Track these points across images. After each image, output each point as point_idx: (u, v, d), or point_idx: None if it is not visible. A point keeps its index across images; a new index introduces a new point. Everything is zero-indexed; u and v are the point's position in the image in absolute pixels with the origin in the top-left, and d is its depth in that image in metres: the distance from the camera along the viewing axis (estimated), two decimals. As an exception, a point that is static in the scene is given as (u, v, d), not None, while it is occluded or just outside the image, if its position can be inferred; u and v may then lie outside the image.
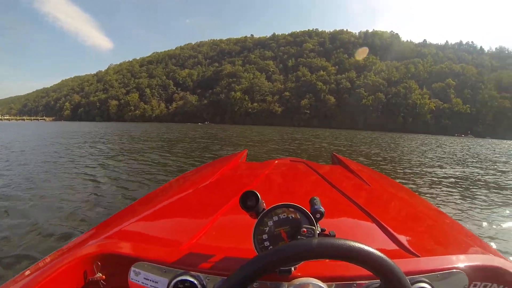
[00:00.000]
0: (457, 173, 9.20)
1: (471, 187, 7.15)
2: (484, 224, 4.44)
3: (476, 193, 6.49)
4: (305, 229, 0.62)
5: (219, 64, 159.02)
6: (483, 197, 6.10)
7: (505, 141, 62.67)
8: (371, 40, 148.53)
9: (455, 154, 16.69)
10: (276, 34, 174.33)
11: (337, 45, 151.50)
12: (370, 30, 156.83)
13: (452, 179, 7.96)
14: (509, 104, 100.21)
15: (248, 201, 0.66)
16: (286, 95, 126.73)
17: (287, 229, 0.64)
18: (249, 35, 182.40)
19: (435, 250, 0.82)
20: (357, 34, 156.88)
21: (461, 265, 0.71)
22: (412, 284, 0.63)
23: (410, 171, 9.02)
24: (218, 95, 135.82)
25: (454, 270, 0.70)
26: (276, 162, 2.28)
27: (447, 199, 5.78)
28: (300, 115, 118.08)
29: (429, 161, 12.34)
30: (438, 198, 5.77)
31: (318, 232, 0.65)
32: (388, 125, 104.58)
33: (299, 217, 0.64)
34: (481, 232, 4.07)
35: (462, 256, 0.74)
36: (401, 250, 0.83)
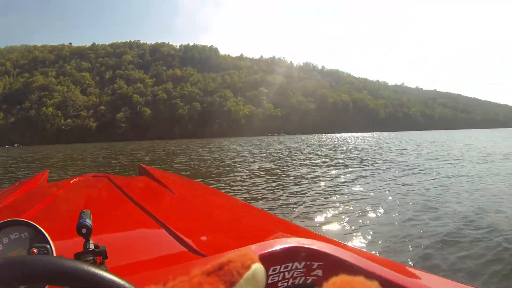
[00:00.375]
0: (272, 166, 10.65)
1: (283, 177, 8.13)
2: (295, 208, 4.88)
3: (288, 182, 7.27)
4: (34, 249, 0.50)
5: (30, 75, 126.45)
6: (296, 182, 7.15)
7: (312, 135, 74.60)
8: (190, 53, 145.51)
9: (266, 150, 19.65)
10: (96, 44, 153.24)
11: (157, 57, 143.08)
12: (191, 44, 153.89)
13: (267, 172, 9.03)
14: (313, 106, 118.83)
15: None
16: (102, 109, 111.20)
17: (20, 252, 0.51)
18: (67, 43, 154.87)
19: (226, 247, 0.81)
20: (178, 47, 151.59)
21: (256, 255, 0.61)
22: None
23: (223, 170, 9.88)
24: (27, 111, 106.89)
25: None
26: (75, 179, 2.14)
27: (261, 191, 6.26)
28: (115, 129, 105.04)
29: (244, 159, 13.60)
30: (251, 193, 6.16)
31: (90, 249, 0.57)
32: (205, 132, 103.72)
33: (34, 235, 0.51)
34: (293, 216, 4.44)
35: (254, 246, 0.75)
36: (188, 252, 0.83)
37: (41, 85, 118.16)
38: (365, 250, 2.31)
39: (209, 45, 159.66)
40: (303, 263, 0.77)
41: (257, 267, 0.30)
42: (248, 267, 0.28)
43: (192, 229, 1.05)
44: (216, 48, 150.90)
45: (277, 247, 0.76)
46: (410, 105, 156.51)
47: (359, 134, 79.51)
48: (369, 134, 77.27)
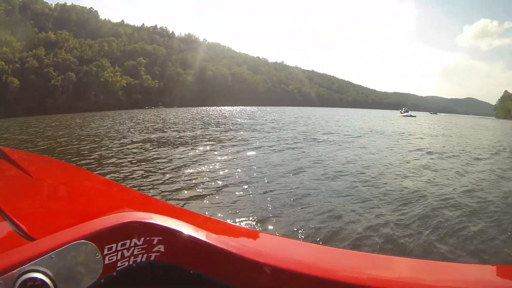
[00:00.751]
0: (153, 137, 12.20)
1: (163, 147, 9.87)
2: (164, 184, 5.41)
3: (158, 158, 8.28)
4: None
5: None
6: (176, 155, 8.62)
7: (190, 108, 79.50)
8: (67, 14, 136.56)
9: (142, 124, 19.78)
10: None
11: (27, 15, 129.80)
12: (69, 4, 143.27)
13: (148, 144, 10.40)
14: (192, 78, 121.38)
15: None
16: None
17: None
18: None
19: (59, 228, 0.73)
20: (53, 6, 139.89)
21: (83, 234, 0.68)
22: (19, 277, 0.56)
23: (97, 147, 10.32)
24: None
25: (74, 242, 0.65)
26: None
27: (133, 169, 6.89)
28: None
29: (118, 133, 13.86)
30: (123, 171, 6.62)
31: None
32: (80, 105, 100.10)
33: None
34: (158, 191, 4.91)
35: (85, 225, 0.71)
36: (21, 237, 0.76)
37: None
38: (229, 221, 3.11)
39: (88, 6, 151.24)
40: (142, 239, 0.75)
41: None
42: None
43: (33, 212, 0.98)
44: (96, 11, 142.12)
45: (111, 223, 0.72)
46: (288, 82, 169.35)
47: (238, 107, 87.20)
48: (249, 108, 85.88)
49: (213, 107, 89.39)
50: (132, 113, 49.31)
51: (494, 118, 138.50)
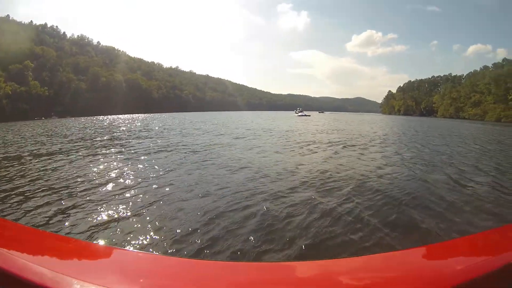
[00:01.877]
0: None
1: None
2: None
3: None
4: None
5: None
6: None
7: (83, 118, 75.87)
8: None
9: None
10: None
11: None
12: None
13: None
14: (84, 85, 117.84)
15: None
16: None
17: None
18: None
19: None
20: None
21: None
22: None
23: None
24: None
25: None
26: None
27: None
28: None
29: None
30: None
31: None
32: None
33: None
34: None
35: None
36: None
37: None
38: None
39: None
40: None
41: None
42: None
43: None
44: None
45: None
46: (183, 87, 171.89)
47: (133, 116, 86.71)
48: (142, 115, 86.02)
49: (107, 116, 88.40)
50: (16, 126, 41.49)
51: (380, 114, 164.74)
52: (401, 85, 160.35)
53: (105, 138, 17.93)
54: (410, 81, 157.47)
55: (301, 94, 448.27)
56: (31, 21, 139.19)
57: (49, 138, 18.36)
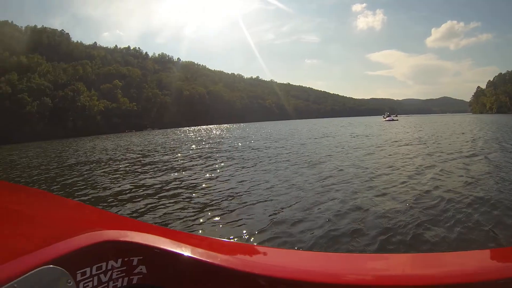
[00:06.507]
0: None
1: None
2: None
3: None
4: None
5: None
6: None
7: (169, 129, 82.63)
8: (38, 37, 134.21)
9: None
10: None
11: None
12: (39, 26, 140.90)
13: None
14: (169, 99, 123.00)
15: None
16: None
17: None
18: None
19: (16, 251, 0.65)
20: (23, 28, 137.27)
21: (49, 258, 0.60)
22: None
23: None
24: None
25: (40, 268, 0.57)
26: None
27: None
28: None
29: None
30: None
31: None
32: (58, 132, 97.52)
33: None
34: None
35: (49, 248, 0.63)
36: None
37: None
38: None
39: (59, 29, 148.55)
40: (119, 260, 0.68)
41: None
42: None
43: None
44: (67, 33, 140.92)
45: (79, 245, 0.65)
46: (265, 96, 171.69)
47: (222, 125, 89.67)
48: (227, 125, 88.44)
49: (193, 127, 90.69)
50: (113, 138, 46.94)
51: (471, 114, 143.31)
52: (491, 79, 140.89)
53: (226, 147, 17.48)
54: (501, 73, 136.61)
55: (383, 97, 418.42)
56: (116, 45, 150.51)
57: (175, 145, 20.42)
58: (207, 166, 10.23)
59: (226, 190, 6.48)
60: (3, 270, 0.55)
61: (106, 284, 0.67)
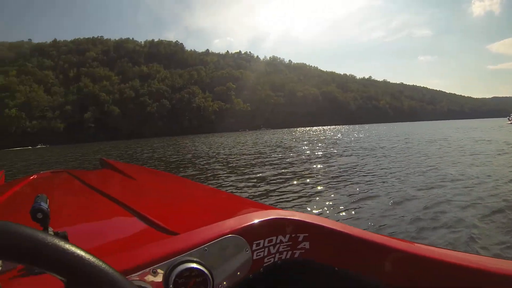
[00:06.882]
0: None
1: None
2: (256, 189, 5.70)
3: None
4: None
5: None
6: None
7: (285, 129, 79.82)
8: (156, 49, 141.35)
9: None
10: (58, 40, 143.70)
11: (121, 54, 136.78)
12: (156, 40, 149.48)
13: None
14: (283, 100, 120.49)
15: None
16: (68, 109, 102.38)
17: None
18: (26, 40, 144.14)
19: (200, 223, 0.74)
20: (143, 43, 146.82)
21: (233, 229, 0.69)
22: (175, 266, 0.58)
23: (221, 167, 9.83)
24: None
25: (226, 236, 0.67)
26: (34, 176, 2.01)
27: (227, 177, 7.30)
28: (84, 130, 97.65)
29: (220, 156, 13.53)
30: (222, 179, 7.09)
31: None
32: (175, 130, 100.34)
33: None
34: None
35: (231, 221, 0.72)
36: (159, 232, 0.77)
37: (1, 86, 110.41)
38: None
39: (174, 40, 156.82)
40: (287, 236, 0.73)
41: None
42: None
43: (160, 210, 1.01)
44: (181, 43, 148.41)
45: (257, 220, 0.72)
46: (379, 97, 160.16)
47: (338, 127, 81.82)
48: (345, 126, 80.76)
49: (309, 127, 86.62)
50: (232, 135, 49.70)
51: None
52: None
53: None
54: None
55: (508, 95, 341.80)
56: (227, 51, 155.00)
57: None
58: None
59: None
60: (198, 235, 0.65)
61: (273, 255, 0.73)
